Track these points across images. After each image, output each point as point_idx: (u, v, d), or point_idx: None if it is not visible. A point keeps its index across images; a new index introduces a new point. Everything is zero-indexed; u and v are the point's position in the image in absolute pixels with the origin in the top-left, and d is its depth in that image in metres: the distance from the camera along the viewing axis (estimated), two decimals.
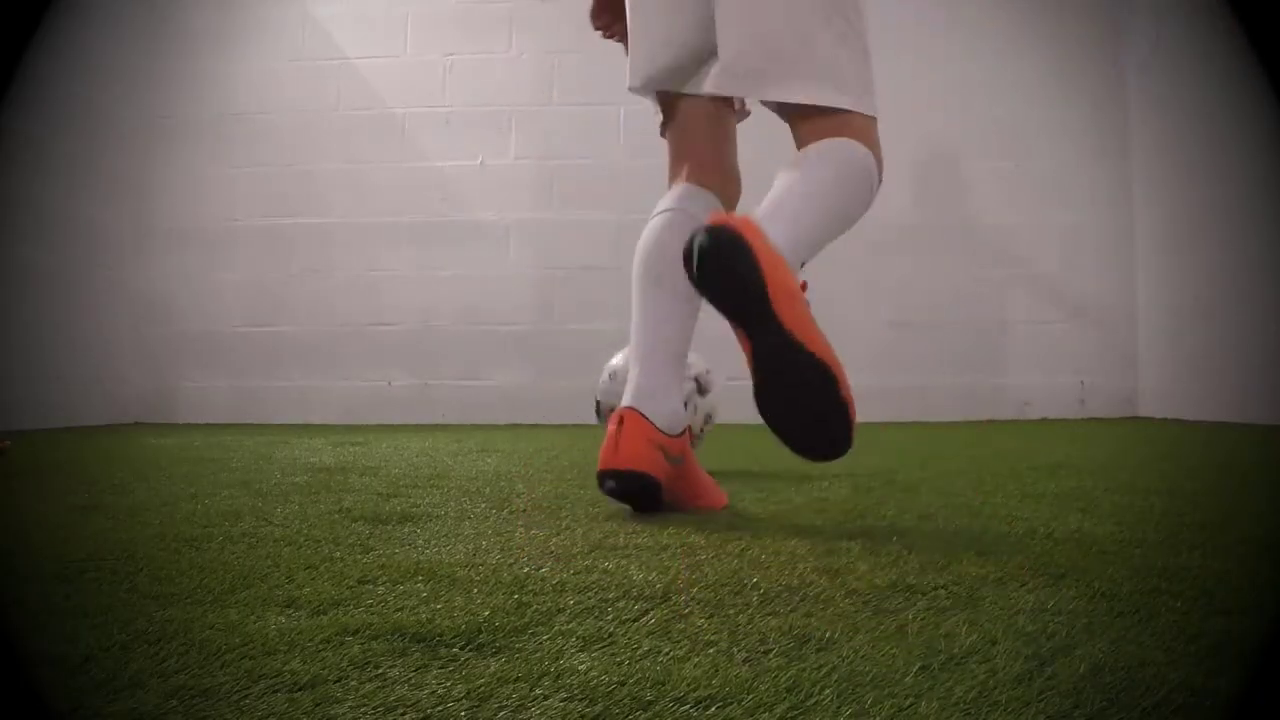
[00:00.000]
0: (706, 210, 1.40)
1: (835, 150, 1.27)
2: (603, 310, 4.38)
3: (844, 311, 4.41)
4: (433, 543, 1.09)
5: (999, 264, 4.44)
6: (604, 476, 1.33)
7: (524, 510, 1.39)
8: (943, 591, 0.83)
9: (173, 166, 4.57)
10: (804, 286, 1.16)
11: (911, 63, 4.52)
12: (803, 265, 1.19)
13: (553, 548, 1.06)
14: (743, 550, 1.04)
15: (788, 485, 1.69)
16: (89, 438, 3.22)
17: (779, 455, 2.16)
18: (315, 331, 4.45)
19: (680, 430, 1.37)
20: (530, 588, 0.85)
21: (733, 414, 4.71)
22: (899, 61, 4.51)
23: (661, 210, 1.44)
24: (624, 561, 0.98)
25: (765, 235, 1.12)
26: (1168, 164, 4.20)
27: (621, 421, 1.32)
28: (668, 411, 1.35)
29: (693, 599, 0.81)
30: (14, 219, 3.67)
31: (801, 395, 1.13)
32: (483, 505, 1.43)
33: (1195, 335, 4.00)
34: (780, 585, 0.86)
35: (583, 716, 0.53)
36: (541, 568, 0.94)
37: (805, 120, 1.31)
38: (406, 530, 1.19)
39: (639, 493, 1.33)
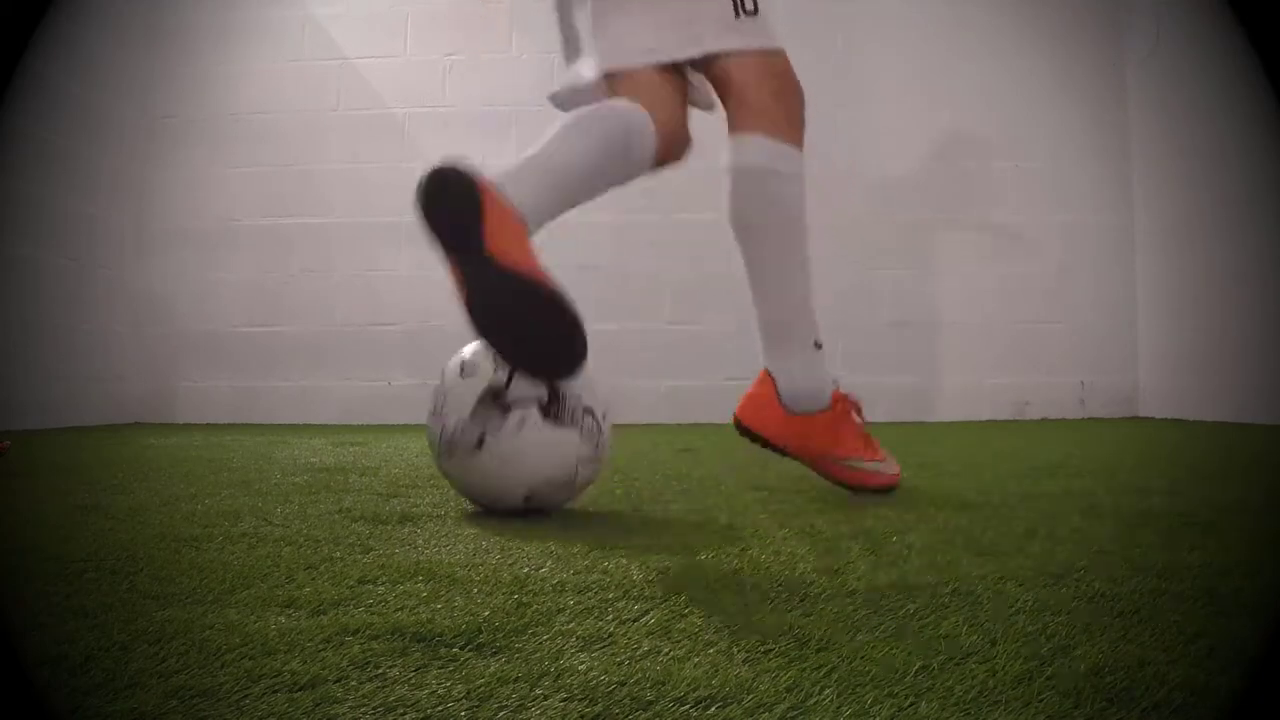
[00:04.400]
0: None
1: (593, 114, 1.33)
2: (603, 310, 4.38)
3: (844, 311, 4.41)
4: (433, 543, 1.09)
5: (999, 264, 4.44)
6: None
7: (523, 510, 1.39)
8: (943, 591, 0.83)
9: (173, 166, 4.57)
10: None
11: (911, 62, 4.52)
12: (538, 225, 1.23)
13: (553, 548, 1.06)
14: (743, 550, 1.04)
15: (788, 485, 1.69)
16: (89, 438, 3.22)
17: (779, 455, 2.16)
18: (315, 331, 4.45)
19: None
20: (530, 588, 0.85)
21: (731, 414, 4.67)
22: (899, 61, 4.53)
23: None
24: (624, 561, 0.98)
25: (494, 183, 1.17)
26: (1168, 164, 4.20)
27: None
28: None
29: (693, 599, 0.81)
30: (14, 219, 3.67)
31: (515, 310, 1.14)
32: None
33: (1195, 335, 4.00)
34: (780, 585, 0.86)
35: (583, 716, 0.53)
36: (541, 568, 0.94)
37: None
38: (406, 530, 1.19)
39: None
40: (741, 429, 1.55)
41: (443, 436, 1.30)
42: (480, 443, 1.25)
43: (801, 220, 1.50)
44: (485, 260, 1.12)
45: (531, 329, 1.14)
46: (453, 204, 1.14)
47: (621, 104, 1.34)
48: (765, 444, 1.54)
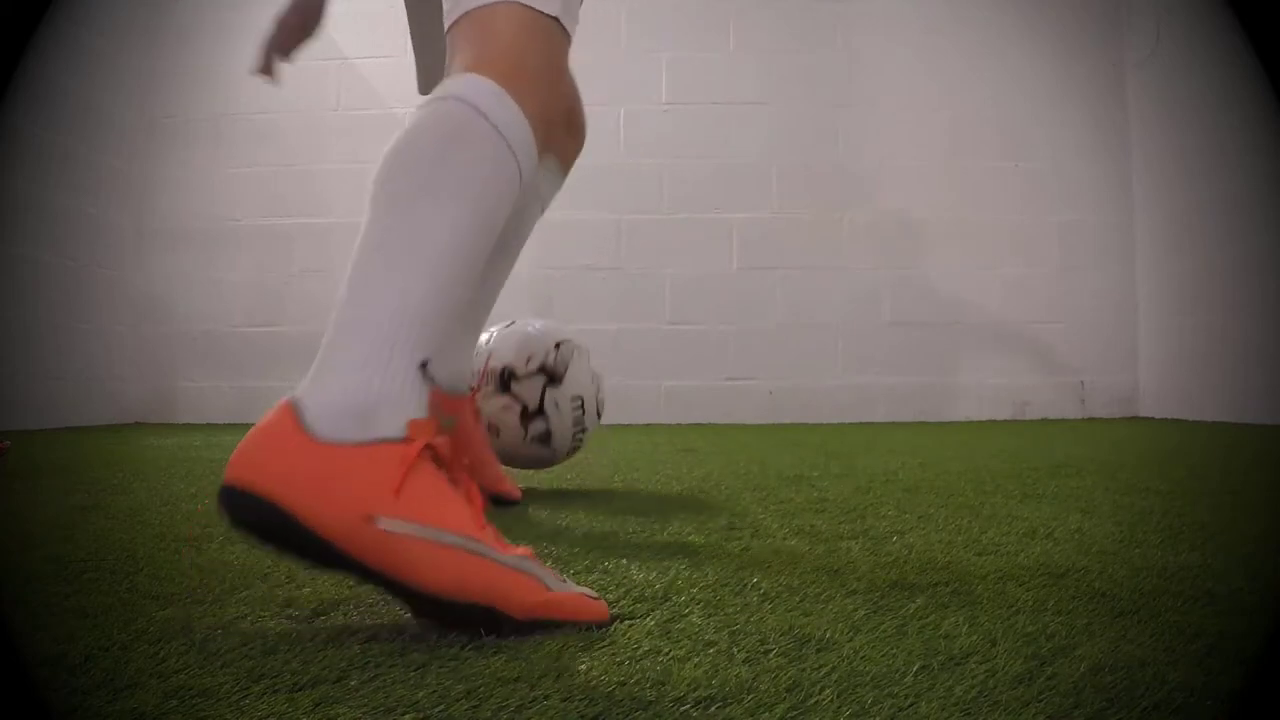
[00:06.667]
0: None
1: (403, 154, 0.80)
2: (603, 310, 4.38)
3: (844, 311, 4.41)
4: None
5: (999, 263, 4.44)
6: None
7: (524, 509, 1.39)
8: (943, 591, 0.83)
9: (173, 166, 4.57)
10: (409, 441, 0.71)
11: (912, 63, 4.52)
12: (426, 366, 0.75)
13: (553, 548, 1.06)
14: (743, 550, 1.04)
15: (788, 485, 1.69)
16: (89, 438, 3.22)
17: (779, 455, 2.16)
18: (315, 331, 4.42)
19: (458, 394, 1.29)
20: None
21: (733, 415, 4.69)
22: (899, 61, 4.53)
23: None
24: (624, 561, 0.97)
25: (295, 438, 0.70)
26: (1168, 163, 4.21)
27: None
28: (447, 372, 1.27)
29: (693, 599, 0.81)
30: (14, 218, 3.67)
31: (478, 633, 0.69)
32: None
33: (1195, 335, 4.00)
34: (780, 585, 0.85)
35: (583, 716, 0.53)
36: None
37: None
38: None
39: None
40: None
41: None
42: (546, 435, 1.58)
43: None
44: (383, 581, 0.69)
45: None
46: (278, 537, 0.68)
47: None
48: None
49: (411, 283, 0.75)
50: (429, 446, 0.72)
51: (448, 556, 0.69)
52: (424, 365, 0.74)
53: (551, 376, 1.57)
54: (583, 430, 1.61)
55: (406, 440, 0.70)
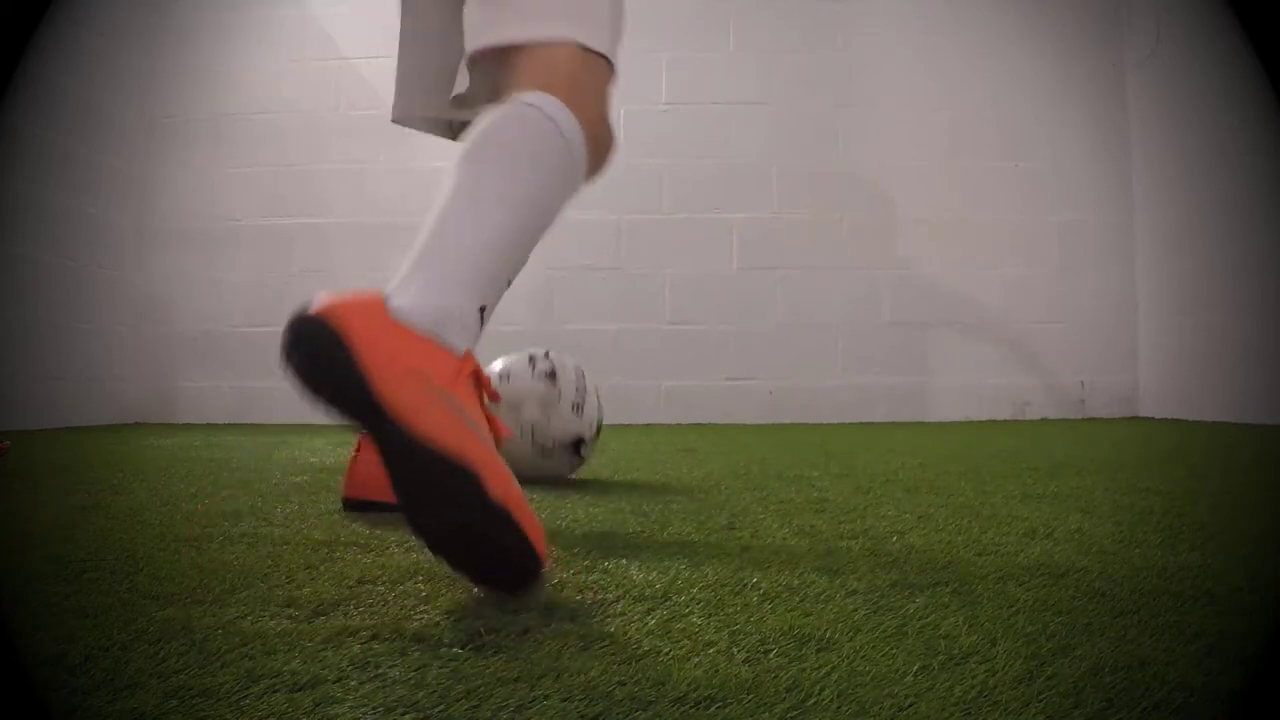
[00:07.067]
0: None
1: (495, 138, 0.94)
2: (603, 310, 4.38)
3: (844, 311, 4.41)
4: None
5: (999, 263, 4.44)
6: (346, 504, 1.36)
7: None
8: (943, 591, 0.83)
9: (173, 166, 4.57)
10: (467, 364, 0.84)
11: (912, 63, 4.52)
12: (484, 313, 0.88)
13: (553, 548, 1.06)
14: (743, 550, 1.04)
15: (788, 485, 1.69)
16: (89, 438, 3.22)
17: (779, 455, 2.16)
18: None
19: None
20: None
21: (733, 415, 4.69)
22: (900, 62, 4.53)
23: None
24: (624, 561, 0.98)
25: (382, 309, 0.82)
26: (1168, 163, 4.21)
27: (359, 448, 1.37)
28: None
29: (693, 599, 0.81)
30: (14, 218, 3.67)
31: (445, 507, 0.78)
32: None
33: (1195, 335, 4.00)
34: (780, 585, 0.86)
35: (583, 716, 0.53)
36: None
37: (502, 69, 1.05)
38: (406, 530, 1.18)
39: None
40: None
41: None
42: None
43: None
44: (388, 424, 0.78)
45: (468, 531, 0.79)
46: (323, 362, 0.79)
47: None
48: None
49: (487, 239, 0.90)
50: (474, 374, 0.85)
51: (459, 426, 0.79)
52: (482, 310, 0.88)
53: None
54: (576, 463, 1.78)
55: (463, 359, 0.84)
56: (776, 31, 4.53)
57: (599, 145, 1.06)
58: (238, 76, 4.60)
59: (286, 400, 4.40)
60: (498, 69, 1.08)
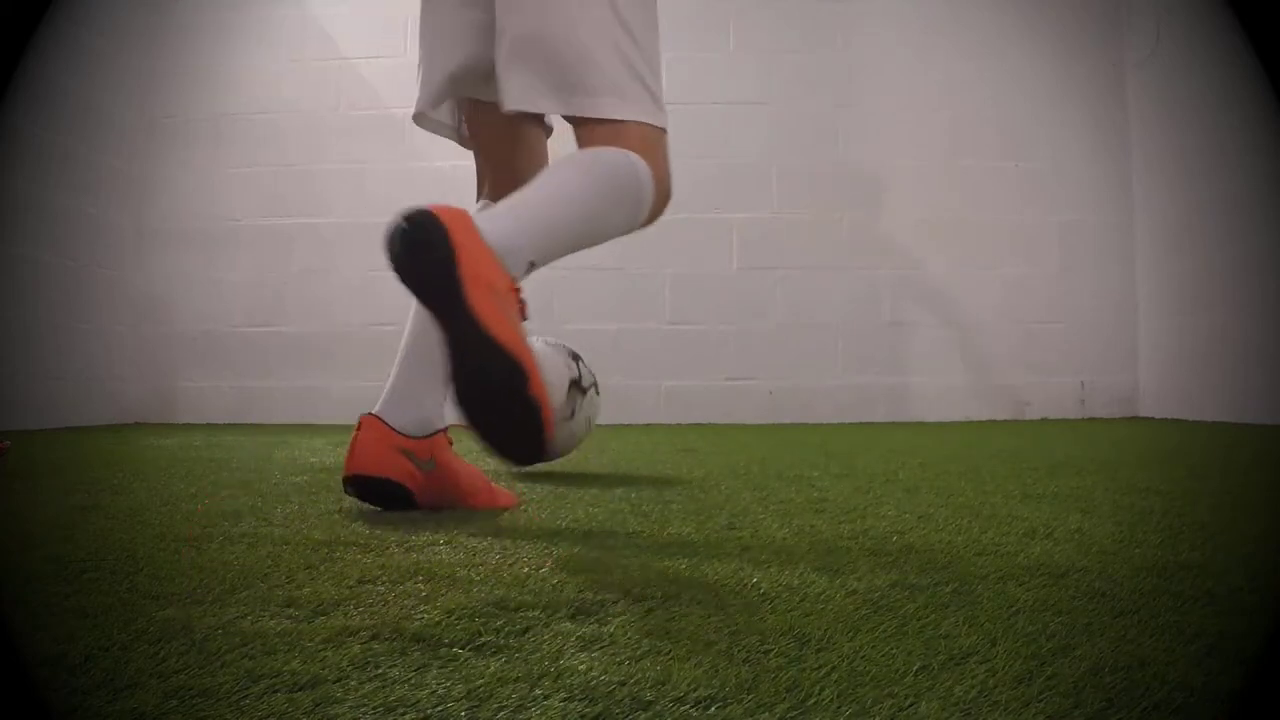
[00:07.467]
0: None
1: (597, 156, 1.27)
2: (603, 310, 4.38)
3: (844, 311, 4.41)
4: (433, 543, 1.09)
5: (999, 263, 4.44)
6: (346, 482, 1.37)
7: (524, 509, 1.39)
8: (943, 591, 0.83)
9: (173, 166, 4.57)
10: (517, 291, 1.11)
11: (912, 63, 4.52)
12: (532, 266, 1.16)
13: (553, 548, 1.06)
14: (743, 550, 1.04)
15: (788, 485, 1.69)
16: (89, 438, 3.22)
17: (779, 455, 2.16)
18: (315, 331, 4.45)
19: (430, 433, 1.38)
20: (530, 587, 0.85)
21: (733, 415, 4.69)
22: (899, 61, 4.53)
23: None
24: (624, 561, 0.98)
25: (474, 226, 1.06)
26: (1168, 164, 4.21)
27: (360, 427, 1.37)
28: (414, 417, 1.37)
29: (693, 599, 0.81)
30: (14, 218, 3.67)
31: (490, 389, 1.04)
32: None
33: (1195, 335, 4.00)
34: (780, 585, 0.86)
35: (583, 716, 0.53)
36: (541, 568, 0.94)
37: (584, 129, 1.32)
38: (406, 530, 1.19)
39: (382, 497, 1.36)
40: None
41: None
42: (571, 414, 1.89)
43: None
44: (467, 319, 1.03)
45: (505, 412, 1.05)
46: (425, 254, 1.03)
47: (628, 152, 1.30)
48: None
49: (559, 219, 1.20)
50: (518, 291, 1.13)
51: (517, 332, 1.07)
52: (531, 264, 1.16)
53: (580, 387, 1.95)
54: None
55: (516, 280, 1.12)
56: (776, 31, 4.53)
57: (663, 197, 1.39)
58: (238, 76, 4.60)
59: (286, 400, 4.41)
60: (521, 122, 1.44)
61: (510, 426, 1.05)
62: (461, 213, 1.07)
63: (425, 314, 1.24)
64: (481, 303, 1.03)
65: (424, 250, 1.03)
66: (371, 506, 1.39)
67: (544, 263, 1.19)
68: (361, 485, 1.36)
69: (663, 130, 1.37)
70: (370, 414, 1.37)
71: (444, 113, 1.56)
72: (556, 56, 1.28)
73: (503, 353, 1.03)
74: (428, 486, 1.37)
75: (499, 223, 1.11)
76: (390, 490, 1.35)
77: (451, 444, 1.43)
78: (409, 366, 1.41)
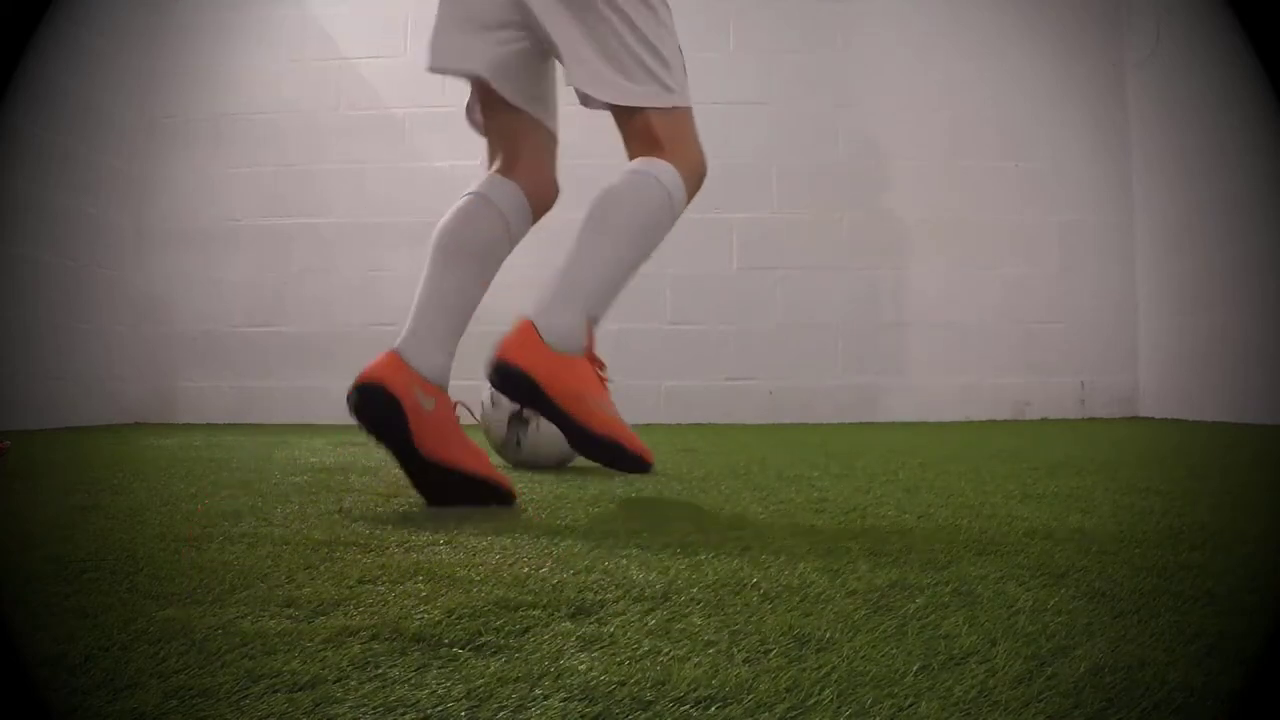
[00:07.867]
0: (509, 200, 1.55)
1: (621, 200, 1.44)
2: None
3: (844, 311, 4.41)
4: (433, 543, 1.09)
5: (999, 263, 4.44)
6: (351, 393, 1.41)
7: (524, 510, 1.39)
8: (943, 591, 0.83)
9: (173, 166, 4.57)
10: (600, 365, 1.40)
11: (912, 63, 4.52)
12: (595, 321, 1.43)
13: (553, 548, 1.06)
14: (743, 550, 1.04)
15: (788, 485, 1.69)
16: (89, 438, 3.22)
17: (779, 455, 2.16)
18: (315, 331, 4.45)
19: (439, 382, 1.44)
20: (530, 588, 0.85)
21: (733, 415, 4.68)
22: (899, 62, 4.53)
23: (466, 193, 1.55)
24: (624, 561, 0.98)
25: (542, 342, 1.37)
26: (1168, 164, 4.21)
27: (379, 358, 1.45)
28: (431, 364, 1.43)
29: (693, 599, 0.81)
30: (14, 218, 3.67)
31: (610, 455, 1.42)
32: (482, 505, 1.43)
33: (1195, 335, 4.00)
34: (780, 585, 0.86)
35: (583, 716, 0.53)
36: (541, 568, 0.94)
37: (619, 123, 1.51)
38: (406, 530, 1.19)
39: (380, 414, 1.38)
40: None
41: (495, 441, 2.16)
42: (519, 442, 2.11)
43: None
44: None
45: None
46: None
47: None
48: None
49: (602, 280, 1.44)
50: (592, 358, 1.41)
51: (605, 417, 1.39)
52: (591, 319, 1.42)
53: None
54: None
55: (586, 355, 1.41)
56: (776, 31, 4.53)
57: (696, 177, 1.49)
58: (238, 76, 4.60)
59: (286, 400, 4.40)
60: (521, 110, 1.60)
61: (621, 466, 1.45)
62: (529, 339, 1.38)
63: (454, 281, 1.51)
64: (572, 408, 1.38)
65: (518, 393, 1.39)
66: (373, 507, 1.39)
67: (605, 312, 1.47)
68: (365, 393, 1.38)
69: (680, 110, 1.47)
70: (392, 352, 1.43)
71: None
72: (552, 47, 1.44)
73: (603, 440, 1.41)
74: (425, 424, 1.38)
75: (555, 319, 1.38)
76: (390, 406, 1.36)
77: (456, 407, 1.48)
78: (431, 315, 1.48)
